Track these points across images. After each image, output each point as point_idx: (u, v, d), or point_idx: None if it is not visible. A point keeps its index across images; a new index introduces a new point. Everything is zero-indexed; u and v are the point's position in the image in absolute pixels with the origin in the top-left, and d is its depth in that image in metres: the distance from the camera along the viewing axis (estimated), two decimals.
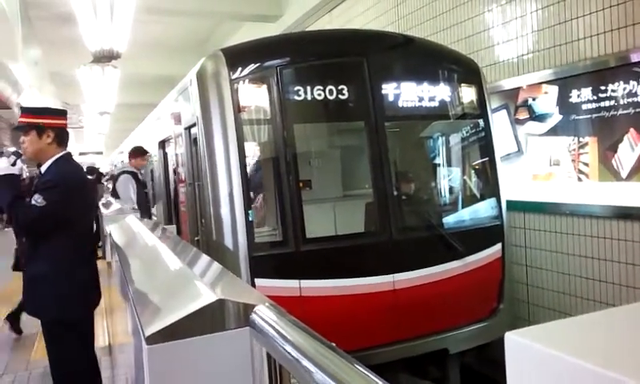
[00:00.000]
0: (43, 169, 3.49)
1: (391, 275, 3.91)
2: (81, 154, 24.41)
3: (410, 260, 4.01)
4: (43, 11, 10.11)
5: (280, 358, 1.05)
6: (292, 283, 3.71)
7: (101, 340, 4.55)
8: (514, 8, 5.04)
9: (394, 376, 4.00)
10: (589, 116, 4.34)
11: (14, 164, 3.42)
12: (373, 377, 0.80)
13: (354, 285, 3.84)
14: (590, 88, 4.30)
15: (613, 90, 4.12)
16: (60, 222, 3.31)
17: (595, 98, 4.26)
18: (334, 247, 3.98)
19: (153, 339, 1.11)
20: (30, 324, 6.38)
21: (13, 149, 3.76)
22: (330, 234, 4.59)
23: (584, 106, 4.37)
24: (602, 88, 4.20)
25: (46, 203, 3.20)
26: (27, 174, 4.34)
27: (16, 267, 5.35)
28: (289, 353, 0.98)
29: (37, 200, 3.21)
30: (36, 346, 5.73)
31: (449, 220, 4.51)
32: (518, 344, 0.71)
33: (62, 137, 3.55)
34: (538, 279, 4.98)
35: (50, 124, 3.48)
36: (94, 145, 26.66)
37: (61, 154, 3.51)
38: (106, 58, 7.56)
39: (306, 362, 0.91)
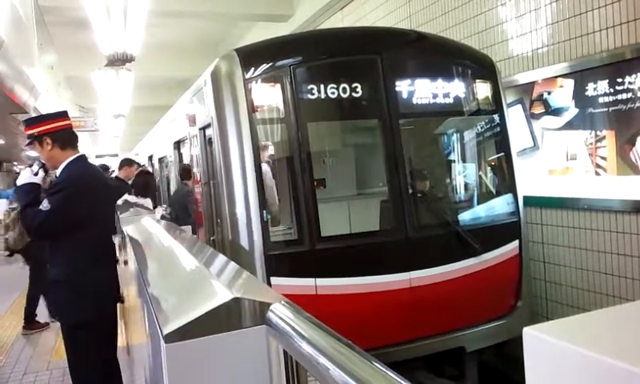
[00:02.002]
0: (58, 173, 3.51)
1: (407, 273, 3.90)
2: (97, 156, 24.68)
3: (426, 258, 3.99)
4: (58, 16, 10.25)
5: (296, 356, 1.05)
6: (307, 282, 3.72)
7: (119, 340, 4.60)
8: (528, 1, 4.98)
9: (411, 374, 3.99)
10: (606, 109, 4.27)
11: (36, 173, 3.40)
12: (390, 373, 0.80)
13: (370, 283, 3.83)
14: (607, 81, 4.24)
15: (630, 83, 4.06)
16: (69, 224, 3.29)
17: (612, 90, 4.20)
18: (349, 245, 3.98)
19: (171, 337, 1.12)
20: (50, 326, 6.48)
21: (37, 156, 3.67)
22: (344, 232, 4.58)
23: (601, 99, 4.30)
24: (619, 80, 4.13)
25: (51, 207, 3.20)
26: (49, 180, 4.32)
27: None
28: (305, 350, 0.98)
29: (44, 205, 3.23)
30: (57, 345, 5.83)
31: (465, 217, 4.48)
32: (537, 339, 0.71)
33: (63, 140, 3.44)
34: (556, 275, 4.92)
35: (43, 130, 3.41)
36: (110, 147, 26.95)
37: (73, 157, 3.46)
38: (119, 61, 7.64)
39: (322, 359, 0.91)
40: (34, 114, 6.36)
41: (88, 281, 3.38)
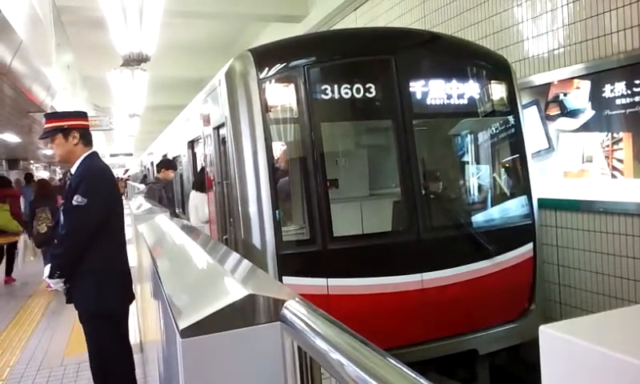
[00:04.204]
0: (73, 170, 3.62)
1: (419, 274, 3.89)
2: (111, 155, 24.97)
3: (439, 259, 3.98)
4: (75, 16, 10.37)
5: (311, 352, 1.06)
6: (319, 282, 3.72)
7: (132, 337, 4.65)
8: (544, 2, 4.94)
9: (423, 376, 3.96)
10: (623, 111, 4.22)
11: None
12: (405, 370, 0.81)
13: (382, 284, 3.83)
14: (624, 82, 4.19)
15: None
16: (102, 214, 3.44)
17: (629, 92, 4.15)
18: (361, 246, 3.98)
19: (187, 333, 1.13)
20: (64, 320, 6.57)
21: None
22: (357, 232, 4.58)
23: (618, 101, 4.26)
24: (637, 82, 4.09)
25: (87, 200, 3.33)
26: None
27: None
28: (320, 346, 0.98)
29: (77, 200, 3.32)
30: (70, 342, 5.90)
31: (478, 219, 4.46)
32: (553, 337, 0.71)
33: (86, 137, 3.67)
34: (571, 279, 4.87)
35: (74, 125, 3.60)
36: (124, 147, 27.22)
37: (88, 152, 3.63)
38: (135, 61, 7.72)
39: (337, 355, 0.92)
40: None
41: (114, 271, 3.53)
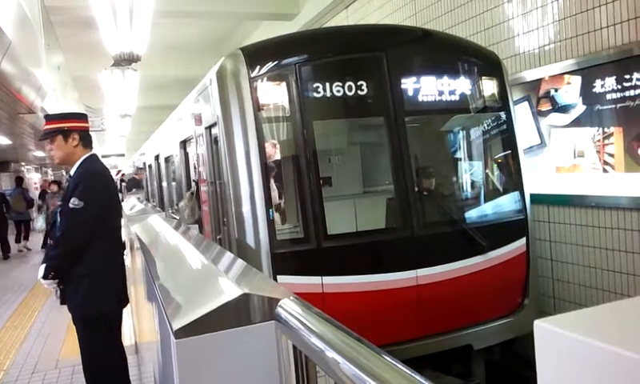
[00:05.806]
0: (72, 171, 3.60)
1: (414, 271, 3.89)
2: (103, 156, 24.83)
3: (433, 255, 3.98)
4: (65, 16, 10.29)
5: (306, 350, 1.05)
6: (314, 280, 3.72)
7: (127, 338, 4.63)
8: None
9: (418, 372, 3.97)
10: (613, 106, 4.25)
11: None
12: (400, 366, 0.80)
13: (377, 281, 3.83)
14: (614, 77, 4.21)
15: (638, 79, 4.03)
16: (99, 215, 3.43)
17: (620, 87, 4.18)
18: (355, 243, 3.98)
19: (181, 333, 1.13)
20: (59, 322, 6.53)
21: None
22: (351, 230, 4.58)
23: (608, 96, 4.28)
24: (627, 77, 4.11)
25: (84, 203, 3.32)
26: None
27: None
28: (315, 345, 0.98)
29: (73, 202, 3.30)
30: (64, 345, 5.86)
31: (471, 215, 4.47)
32: (548, 331, 0.71)
33: (86, 139, 3.67)
34: (564, 273, 4.90)
35: (74, 127, 3.60)
36: (116, 147, 27.06)
37: (87, 154, 3.63)
38: (126, 61, 7.65)
39: (332, 353, 0.92)
40: (41, 115, 6.43)
41: (109, 273, 3.52)
